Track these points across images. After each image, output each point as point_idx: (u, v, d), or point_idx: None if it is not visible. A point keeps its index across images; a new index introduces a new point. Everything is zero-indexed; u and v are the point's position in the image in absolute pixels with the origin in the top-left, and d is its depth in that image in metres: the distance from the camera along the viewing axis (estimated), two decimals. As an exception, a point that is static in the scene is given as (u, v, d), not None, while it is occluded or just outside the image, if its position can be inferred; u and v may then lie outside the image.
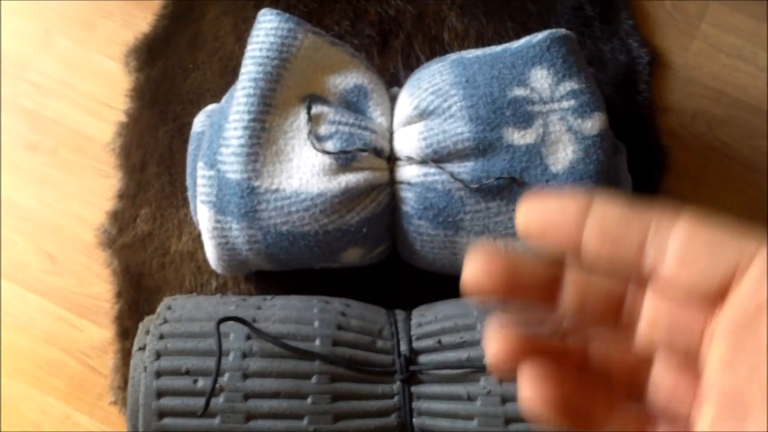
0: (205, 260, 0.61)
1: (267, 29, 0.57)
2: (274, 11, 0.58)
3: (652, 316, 0.23)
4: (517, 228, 0.24)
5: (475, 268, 0.24)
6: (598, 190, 0.23)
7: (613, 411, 0.24)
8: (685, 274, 0.22)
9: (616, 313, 0.24)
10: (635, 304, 0.24)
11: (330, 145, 0.54)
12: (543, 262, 0.24)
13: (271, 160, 0.54)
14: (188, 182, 0.60)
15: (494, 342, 0.24)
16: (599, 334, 0.25)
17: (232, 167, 0.54)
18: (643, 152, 0.69)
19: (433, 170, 0.55)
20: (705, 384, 0.23)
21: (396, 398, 0.52)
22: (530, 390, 0.23)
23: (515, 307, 0.25)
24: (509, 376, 0.24)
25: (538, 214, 0.23)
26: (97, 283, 0.66)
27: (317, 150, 0.54)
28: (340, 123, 0.55)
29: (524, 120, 0.54)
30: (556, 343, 0.25)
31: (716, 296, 0.22)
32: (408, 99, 0.57)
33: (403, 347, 0.53)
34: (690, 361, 0.24)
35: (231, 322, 0.52)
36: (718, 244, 0.22)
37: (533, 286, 0.24)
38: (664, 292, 0.23)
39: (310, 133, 0.55)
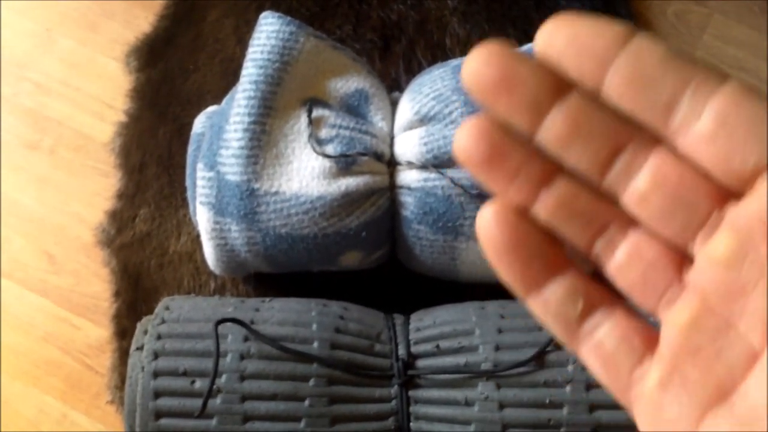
0: (204, 261, 0.61)
1: (268, 32, 0.57)
2: (276, 14, 0.58)
3: (658, 174, 0.19)
4: (535, 46, 0.19)
5: (476, 60, 0.20)
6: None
7: (555, 274, 0.21)
8: (720, 143, 0.18)
9: (605, 164, 0.20)
10: (633, 161, 0.20)
11: (330, 149, 0.54)
12: (546, 70, 0.19)
13: (271, 163, 0.54)
14: (188, 183, 0.60)
15: (468, 130, 0.21)
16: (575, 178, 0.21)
17: (232, 169, 0.54)
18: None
19: (433, 175, 0.55)
20: (693, 275, 0.19)
21: (393, 402, 0.52)
22: (486, 230, 0.21)
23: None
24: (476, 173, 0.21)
25: (564, 35, 0.19)
26: (96, 283, 0.66)
27: (317, 153, 0.54)
28: (340, 127, 0.55)
29: (525, 126, 0.54)
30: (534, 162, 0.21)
31: (743, 180, 0.18)
32: (409, 104, 0.57)
33: (402, 351, 0.53)
34: (679, 244, 0.20)
35: (229, 324, 0.52)
36: (762, 123, 0.18)
37: (525, 94, 0.19)
38: (681, 157, 0.19)
39: (310, 136, 0.55)
